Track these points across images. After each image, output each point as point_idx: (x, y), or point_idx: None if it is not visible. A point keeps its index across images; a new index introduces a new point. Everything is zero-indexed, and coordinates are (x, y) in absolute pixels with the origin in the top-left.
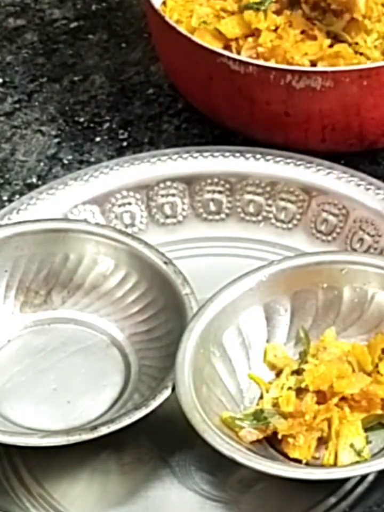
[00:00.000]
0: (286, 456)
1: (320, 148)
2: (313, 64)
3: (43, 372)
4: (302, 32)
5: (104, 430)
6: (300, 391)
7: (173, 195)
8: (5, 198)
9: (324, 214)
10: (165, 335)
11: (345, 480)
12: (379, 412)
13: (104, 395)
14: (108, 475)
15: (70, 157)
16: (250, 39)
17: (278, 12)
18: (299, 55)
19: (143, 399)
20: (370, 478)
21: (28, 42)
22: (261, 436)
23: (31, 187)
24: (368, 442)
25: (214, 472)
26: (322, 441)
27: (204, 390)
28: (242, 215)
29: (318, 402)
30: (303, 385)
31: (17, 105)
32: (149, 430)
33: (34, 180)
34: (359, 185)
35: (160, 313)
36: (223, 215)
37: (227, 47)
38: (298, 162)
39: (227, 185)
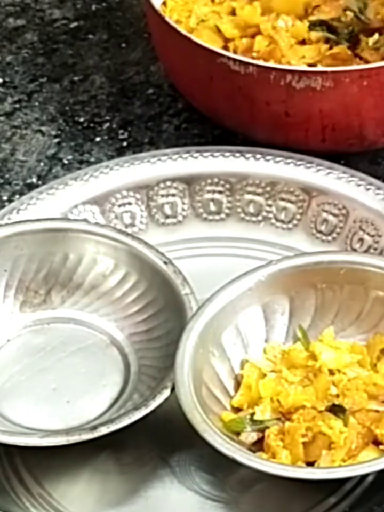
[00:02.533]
0: None
1: (320, 148)
2: (312, 65)
3: (42, 371)
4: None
5: (104, 430)
6: None
7: (173, 195)
8: (5, 198)
9: (324, 214)
10: (164, 335)
11: (345, 480)
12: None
13: (103, 395)
14: (107, 475)
15: (70, 157)
16: (244, 40)
17: None
18: (296, 59)
19: (143, 399)
20: (370, 478)
21: (27, 42)
22: (261, 436)
23: (31, 187)
24: None
25: (214, 472)
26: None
27: (203, 390)
28: (242, 215)
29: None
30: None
31: (17, 105)
32: (149, 430)
33: (34, 180)
34: (359, 185)
35: (160, 313)
36: (223, 215)
37: (225, 47)
38: (298, 162)
39: (227, 185)
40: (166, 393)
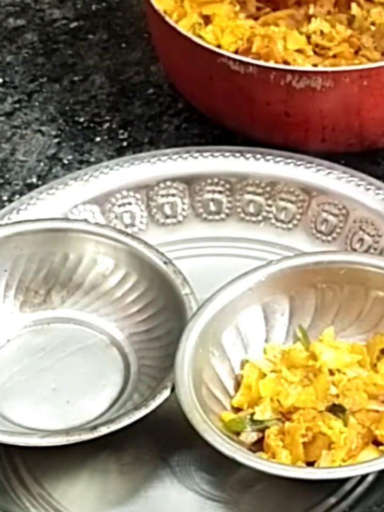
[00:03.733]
0: None
1: (320, 148)
2: (313, 64)
3: (42, 371)
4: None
5: (104, 430)
6: None
7: (173, 195)
8: (5, 198)
9: (324, 214)
10: (164, 335)
11: (345, 480)
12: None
13: (103, 395)
14: (107, 475)
15: (70, 157)
16: (240, 41)
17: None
18: (293, 57)
19: (143, 399)
20: (370, 478)
21: (27, 42)
22: (261, 436)
23: (31, 187)
24: None
25: (214, 472)
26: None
27: (203, 390)
28: (242, 215)
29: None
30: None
31: (17, 105)
32: (149, 430)
33: (34, 180)
34: (359, 185)
35: (160, 313)
36: (223, 215)
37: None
38: (298, 162)
39: (227, 185)
40: (166, 393)
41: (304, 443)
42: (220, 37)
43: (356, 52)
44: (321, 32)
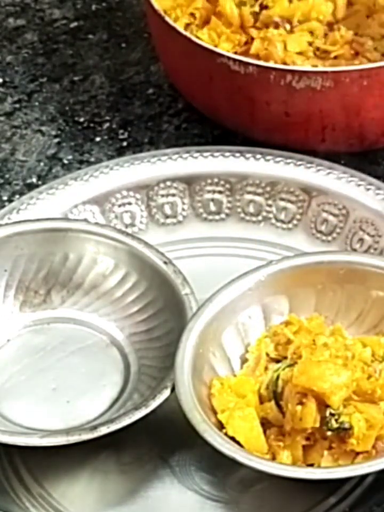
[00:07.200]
0: None
1: (320, 148)
2: (313, 65)
3: (42, 371)
4: None
5: (104, 430)
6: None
7: (173, 195)
8: (5, 198)
9: (324, 214)
10: (164, 335)
11: (345, 480)
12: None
13: (103, 395)
14: (107, 475)
15: (70, 157)
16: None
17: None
18: (292, 59)
19: (143, 399)
20: (370, 478)
21: (28, 42)
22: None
23: (31, 187)
24: None
25: (214, 472)
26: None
27: (203, 390)
28: (242, 215)
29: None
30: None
31: (17, 105)
32: (149, 430)
33: (34, 180)
34: (359, 185)
35: (160, 313)
36: (223, 215)
37: None
38: (298, 162)
39: (227, 185)
40: (166, 393)
41: (304, 446)
42: (217, 42)
43: (356, 54)
44: (325, 35)
